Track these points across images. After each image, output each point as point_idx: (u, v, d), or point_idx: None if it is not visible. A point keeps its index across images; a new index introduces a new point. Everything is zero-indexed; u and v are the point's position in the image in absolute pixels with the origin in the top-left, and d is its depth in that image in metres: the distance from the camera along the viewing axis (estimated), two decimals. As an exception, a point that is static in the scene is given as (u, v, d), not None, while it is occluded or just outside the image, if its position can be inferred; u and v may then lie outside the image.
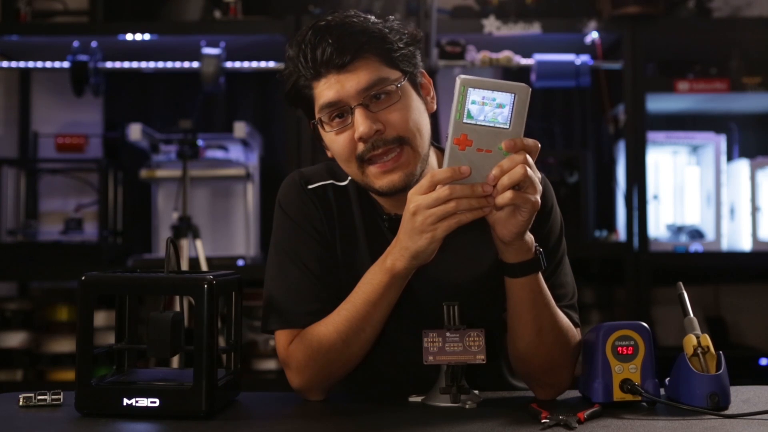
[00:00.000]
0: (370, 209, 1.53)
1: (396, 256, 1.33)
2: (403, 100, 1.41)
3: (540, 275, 1.36)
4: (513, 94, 1.22)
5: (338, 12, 1.45)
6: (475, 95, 1.22)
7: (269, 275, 1.52)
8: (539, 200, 1.26)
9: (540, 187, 1.26)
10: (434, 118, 1.53)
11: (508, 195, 1.22)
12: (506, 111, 1.22)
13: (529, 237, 1.33)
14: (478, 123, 1.22)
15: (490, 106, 1.22)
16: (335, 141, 1.43)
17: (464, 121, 1.22)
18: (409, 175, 1.40)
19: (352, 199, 1.53)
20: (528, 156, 1.23)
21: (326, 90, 1.40)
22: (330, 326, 1.41)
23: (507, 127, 1.22)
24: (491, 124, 1.22)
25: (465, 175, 1.22)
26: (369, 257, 1.46)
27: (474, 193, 1.23)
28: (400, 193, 1.41)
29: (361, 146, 1.40)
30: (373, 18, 1.44)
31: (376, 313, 1.38)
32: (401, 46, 1.43)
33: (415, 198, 1.27)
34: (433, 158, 1.51)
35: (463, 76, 1.22)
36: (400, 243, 1.32)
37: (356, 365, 1.45)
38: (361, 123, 1.38)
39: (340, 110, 1.41)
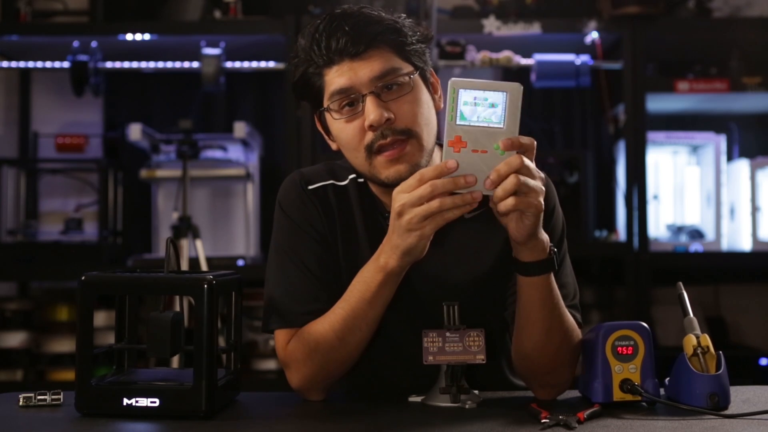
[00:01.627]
0: (371, 208, 1.53)
1: (388, 254, 1.33)
2: (414, 93, 1.42)
3: (552, 275, 1.36)
4: (505, 93, 1.21)
5: (352, 4, 1.46)
6: (466, 96, 1.21)
7: (269, 276, 1.52)
8: (542, 202, 1.25)
9: (542, 189, 1.25)
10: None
11: (510, 202, 1.22)
12: (499, 110, 1.21)
13: (544, 236, 1.32)
14: (472, 124, 1.21)
15: (482, 107, 1.21)
16: (344, 130, 1.43)
17: (458, 123, 1.21)
18: (415, 166, 1.40)
19: (352, 199, 1.53)
20: (525, 159, 1.22)
21: (338, 77, 1.41)
22: (326, 324, 1.41)
23: (501, 126, 1.21)
24: (485, 124, 1.21)
25: (452, 170, 1.22)
26: (370, 256, 1.45)
27: (456, 187, 1.23)
28: None
29: (370, 135, 1.40)
30: (385, 14, 1.45)
31: (371, 311, 1.38)
32: (414, 41, 1.44)
33: (400, 197, 1.27)
34: (437, 156, 1.51)
35: (453, 79, 1.22)
36: (390, 241, 1.32)
37: (354, 363, 1.45)
38: (372, 111, 1.38)
39: (350, 98, 1.41)
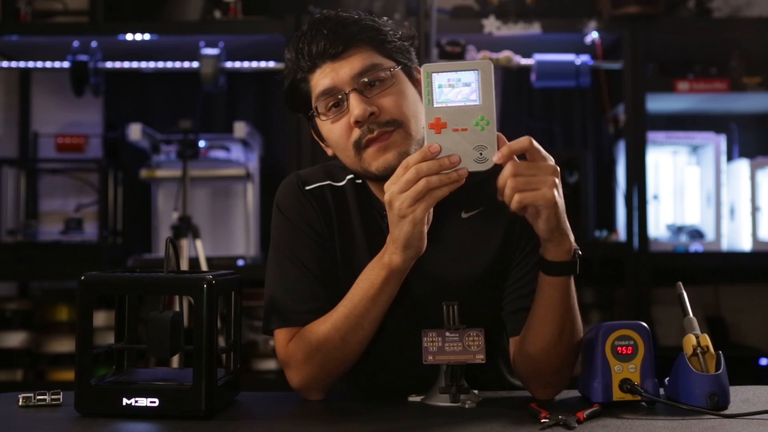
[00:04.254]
0: (369, 208, 1.53)
1: (391, 250, 1.34)
2: (396, 86, 1.44)
3: (572, 280, 1.36)
4: (476, 71, 1.25)
5: (347, 6, 1.48)
6: (440, 79, 1.25)
7: (268, 276, 1.52)
8: (554, 194, 1.25)
9: (553, 180, 1.25)
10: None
11: (516, 199, 1.24)
12: (473, 88, 1.25)
13: (570, 237, 1.32)
14: (449, 104, 1.25)
15: (457, 87, 1.25)
16: (332, 130, 1.45)
17: (435, 105, 1.25)
18: (402, 154, 1.40)
19: (349, 199, 1.54)
20: (532, 141, 1.25)
21: (321, 79, 1.43)
22: (328, 323, 1.42)
23: (478, 102, 1.24)
24: (462, 103, 1.25)
25: (436, 153, 1.24)
26: (368, 256, 1.46)
27: (441, 168, 1.24)
28: None
29: (356, 132, 1.42)
30: (366, 16, 1.48)
31: (374, 309, 1.39)
32: (395, 38, 1.46)
33: (389, 187, 1.28)
34: None
35: (425, 64, 1.26)
36: (390, 236, 1.33)
37: (354, 363, 1.45)
38: (355, 106, 1.40)
39: (335, 99, 1.43)
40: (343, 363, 1.44)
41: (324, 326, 1.42)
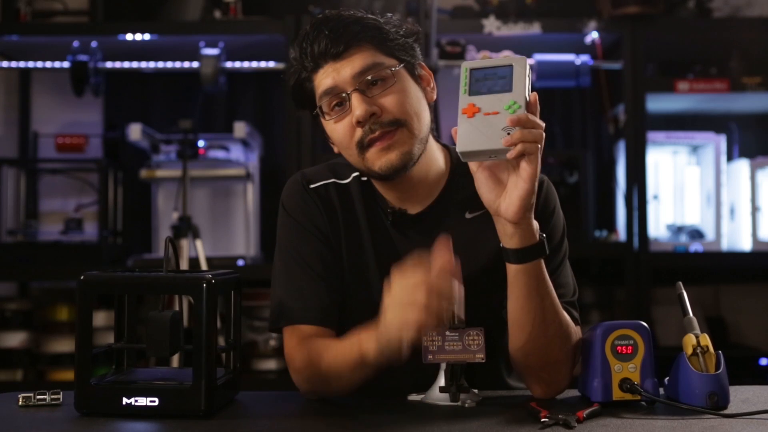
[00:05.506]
0: (374, 205, 1.54)
1: (370, 338, 1.34)
2: (398, 85, 1.44)
3: (542, 263, 1.36)
4: (511, 66, 1.31)
5: (348, 6, 1.48)
6: (477, 74, 1.32)
7: (274, 276, 1.53)
8: (543, 139, 1.27)
9: (542, 135, 1.26)
10: (435, 114, 1.55)
11: (516, 137, 1.24)
12: (507, 79, 1.30)
13: (534, 222, 1.34)
14: (483, 94, 1.30)
15: (492, 80, 1.31)
16: (335, 129, 1.46)
17: (470, 95, 1.30)
18: (405, 154, 1.42)
19: (354, 197, 1.54)
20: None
21: (324, 79, 1.44)
22: (338, 357, 1.40)
23: (510, 91, 1.29)
24: (495, 92, 1.30)
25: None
26: (373, 253, 1.48)
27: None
28: (399, 174, 1.44)
29: (359, 131, 1.42)
30: (368, 14, 1.48)
31: (367, 368, 1.38)
32: (397, 36, 1.47)
33: (400, 282, 1.27)
34: (440, 156, 1.52)
35: (465, 62, 1.33)
36: (379, 324, 1.31)
37: (356, 390, 1.44)
38: (357, 106, 1.41)
39: (338, 98, 1.44)
40: (342, 391, 1.44)
41: (334, 359, 1.40)
